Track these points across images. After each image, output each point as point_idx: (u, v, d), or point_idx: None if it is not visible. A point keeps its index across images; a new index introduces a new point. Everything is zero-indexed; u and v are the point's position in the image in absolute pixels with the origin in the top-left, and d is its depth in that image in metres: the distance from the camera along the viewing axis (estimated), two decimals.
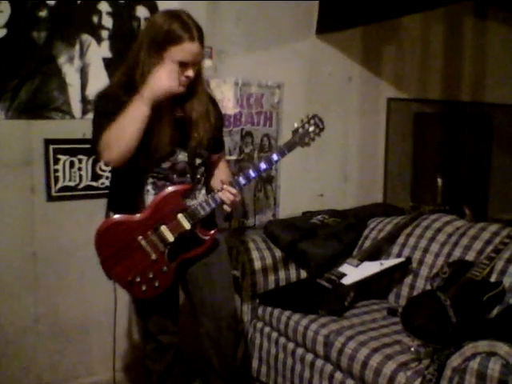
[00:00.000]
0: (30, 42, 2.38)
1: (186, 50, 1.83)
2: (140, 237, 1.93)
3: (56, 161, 2.49)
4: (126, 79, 1.92)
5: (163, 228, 1.93)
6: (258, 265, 2.68)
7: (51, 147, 2.47)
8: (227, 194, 1.95)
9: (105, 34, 2.55)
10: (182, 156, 1.99)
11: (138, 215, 1.92)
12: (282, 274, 2.74)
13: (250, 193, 3.03)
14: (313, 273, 2.72)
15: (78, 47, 2.49)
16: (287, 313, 2.46)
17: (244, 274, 2.70)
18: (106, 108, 1.87)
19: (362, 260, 2.58)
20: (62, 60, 2.47)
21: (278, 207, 3.15)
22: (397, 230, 2.74)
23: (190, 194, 2.02)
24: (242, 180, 1.98)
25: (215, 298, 2.05)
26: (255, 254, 2.71)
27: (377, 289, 2.65)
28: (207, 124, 2.00)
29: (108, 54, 2.55)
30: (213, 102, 2.11)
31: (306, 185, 3.25)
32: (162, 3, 2.64)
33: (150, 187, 1.97)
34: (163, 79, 1.81)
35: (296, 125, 2.06)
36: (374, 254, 2.66)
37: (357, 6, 2.93)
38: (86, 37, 2.51)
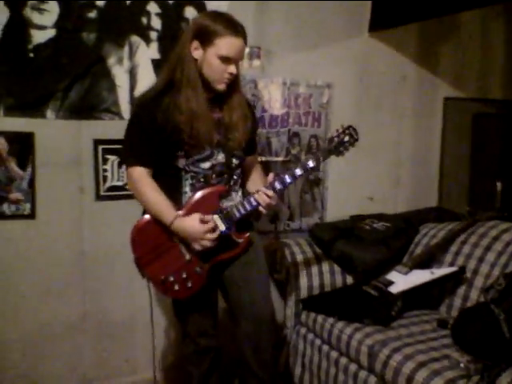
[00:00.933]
0: (79, 42, 2.41)
1: (230, 43, 1.86)
2: (175, 236, 1.93)
3: (105, 161, 2.52)
4: (167, 80, 1.94)
5: None
6: (302, 269, 2.63)
7: (100, 147, 2.50)
8: (263, 197, 1.92)
9: (153, 35, 2.56)
10: (221, 157, 1.99)
11: (179, 212, 1.91)
12: (327, 279, 2.67)
13: (297, 195, 2.97)
14: (359, 279, 2.64)
15: (127, 48, 2.52)
16: (331, 320, 2.39)
17: (288, 278, 2.65)
18: (140, 120, 1.92)
19: (411, 268, 2.48)
20: (111, 61, 2.49)
21: (325, 210, 3.07)
22: (450, 237, 2.61)
23: (226, 195, 2.01)
24: (277, 185, 1.95)
25: (253, 298, 2.02)
26: (300, 258, 2.66)
27: (428, 299, 2.53)
28: (245, 126, 2.01)
29: (156, 55, 2.56)
30: (248, 104, 2.12)
31: (355, 188, 3.15)
32: (210, 3, 2.63)
33: (187, 188, 1.97)
34: (196, 226, 1.86)
35: (331, 134, 2.03)
36: (424, 262, 2.55)
37: (413, 2, 2.81)
38: (135, 38, 2.53)
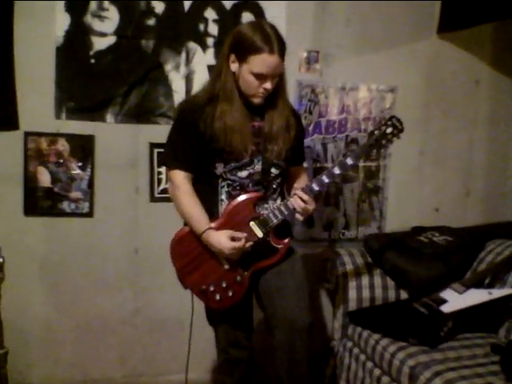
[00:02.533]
0: (138, 49, 2.51)
1: (264, 61, 1.81)
2: None
3: (161, 165, 2.60)
4: (209, 91, 1.94)
5: None
6: (352, 280, 2.54)
7: (155, 151, 2.59)
8: (298, 201, 1.88)
9: (210, 41, 2.60)
10: (260, 166, 1.96)
11: (212, 224, 1.91)
12: (378, 292, 2.55)
13: (353, 203, 2.88)
14: (413, 295, 2.50)
15: (184, 55, 2.58)
16: (376, 336, 2.29)
17: (337, 289, 2.58)
18: (183, 125, 1.94)
19: (468, 286, 2.30)
20: (168, 67, 2.57)
21: (384, 220, 2.95)
22: None
23: (263, 202, 1.98)
24: (315, 186, 1.89)
25: (287, 309, 1.95)
26: (350, 269, 2.57)
27: (486, 321, 2.34)
28: (287, 136, 1.97)
29: (213, 62, 2.58)
30: (294, 114, 2.07)
31: (419, 197, 2.99)
32: (268, 8, 2.63)
33: (224, 196, 1.96)
34: (222, 243, 1.86)
35: (371, 127, 1.92)
36: (484, 281, 2.36)
37: (487, 0, 2.62)
38: (192, 44, 2.58)
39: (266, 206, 1.98)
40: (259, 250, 1.94)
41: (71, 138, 2.50)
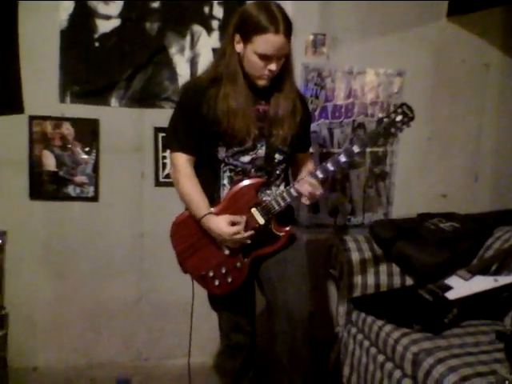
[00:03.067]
0: (142, 32, 2.49)
1: (269, 42, 1.76)
2: None
3: (164, 148, 2.59)
4: (213, 72, 1.91)
5: None
6: (357, 266, 2.53)
7: (160, 135, 2.58)
8: (306, 186, 1.84)
9: (215, 24, 2.57)
10: (263, 151, 1.93)
11: (212, 209, 1.90)
12: (383, 279, 2.54)
13: (359, 189, 2.86)
14: (419, 282, 2.48)
15: (188, 38, 2.55)
16: (380, 322, 2.27)
17: (341, 275, 2.57)
18: (186, 107, 1.91)
19: (474, 273, 2.28)
20: (173, 50, 2.55)
21: (390, 206, 2.92)
22: None
23: (266, 188, 1.95)
24: (319, 174, 1.85)
25: (288, 298, 1.93)
26: (355, 255, 2.55)
27: (492, 308, 2.32)
28: (292, 121, 1.92)
29: (218, 45, 2.55)
30: (301, 98, 2.01)
31: (426, 183, 2.96)
32: None
33: (226, 181, 1.94)
34: (222, 228, 1.84)
35: (381, 115, 1.88)
36: (490, 268, 2.34)
37: None
38: (196, 27, 2.55)
39: (268, 192, 1.95)
40: (260, 237, 1.91)
41: (76, 121, 2.50)
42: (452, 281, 2.30)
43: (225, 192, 1.93)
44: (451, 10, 2.77)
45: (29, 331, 2.61)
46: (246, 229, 1.87)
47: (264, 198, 1.93)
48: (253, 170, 1.93)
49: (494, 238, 2.57)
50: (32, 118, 2.46)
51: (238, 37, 1.82)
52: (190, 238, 1.97)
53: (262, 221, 1.90)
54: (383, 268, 2.56)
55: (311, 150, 2.40)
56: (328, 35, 2.68)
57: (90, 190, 2.56)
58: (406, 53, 2.79)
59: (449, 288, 2.25)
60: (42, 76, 2.44)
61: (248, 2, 2.52)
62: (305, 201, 1.88)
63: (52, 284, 2.62)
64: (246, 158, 1.92)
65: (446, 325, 2.15)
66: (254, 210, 1.90)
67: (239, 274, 1.95)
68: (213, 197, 1.93)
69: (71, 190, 2.54)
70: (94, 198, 2.57)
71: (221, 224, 1.85)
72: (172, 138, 1.97)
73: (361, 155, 2.07)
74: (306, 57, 2.67)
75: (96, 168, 2.55)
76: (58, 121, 2.48)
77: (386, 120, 1.82)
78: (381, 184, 2.89)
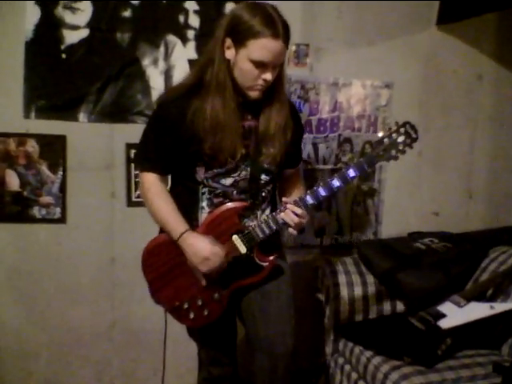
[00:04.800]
0: (113, 43, 2.33)
1: (266, 47, 1.56)
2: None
3: (134, 165, 2.41)
4: (196, 79, 1.70)
5: None
6: (344, 291, 2.36)
7: (132, 152, 2.40)
8: (291, 215, 1.66)
9: (191, 34, 2.42)
10: (247, 172, 1.74)
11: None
12: (372, 304, 2.38)
13: (347, 207, 2.70)
14: (410, 308, 2.32)
15: (162, 49, 2.40)
16: (368, 353, 2.11)
17: (328, 300, 2.40)
18: (161, 123, 1.72)
19: (469, 299, 2.12)
20: (146, 62, 2.39)
21: (379, 225, 2.76)
22: None
23: (250, 213, 1.76)
24: (309, 199, 1.67)
25: (270, 332, 1.76)
26: (342, 279, 2.39)
27: (488, 336, 2.16)
28: (283, 138, 1.73)
29: (194, 55, 2.41)
30: (293, 111, 1.83)
31: (417, 200, 2.81)
32: None
33: (205, 203, 1.75)
34: (205, 245, 1.67)
35: (381, 134, 1.69)
36: (486, 293, 2.17)
37: None
38: (171, 37, 2.40)
39: (252, 217, 1.77)
40: (241, 267, 1.73)
41: (41, 138, 2.33)
42: (445, 307, 2.13)
43: (203, 216, 1.75)
44: (441, 18, 2.64)
45: None
46: (225, 257, 1.70)
47: (247, 224, 1.75)
48: (235, 192, 1.74)
49: (489, 259, 2.41)
50: None
51: (229, 41, 1.61)
52: (163, 266, 1.79)
53: (243, 249, 1.71)
54: (372, 292, 2.40)
55: None
56: (311, 45, 2.54)
57: (57, 212, 2.38)
58: (393, 63, 2.65)
59: (442, 316, 2.08)
60: (5, 90, 2.28)
61: (231, 4, 2.40)
62: (291, 231, 1.70)
63: (18, 311, 2.43)
64: (228, 181, 1.73)
65: (439, 357, 1.98)
66: (235, 237, 1.71)
67: (217, 306, 1.77)
68: (190, 220, 1.74)
69: (36, 211, 2.36)
70: (61, 220, 2.39)
71: (201, 241, 1.67)
72: (142, 156, 1.80)
73: (355, 179, 1.90)
74: (289, 68, 2.50)
75: (63, 188, 2.37)
76: (23, 137, 2.31)
77: (386, 141, 1.64)
78: (369, 201, 2.73)
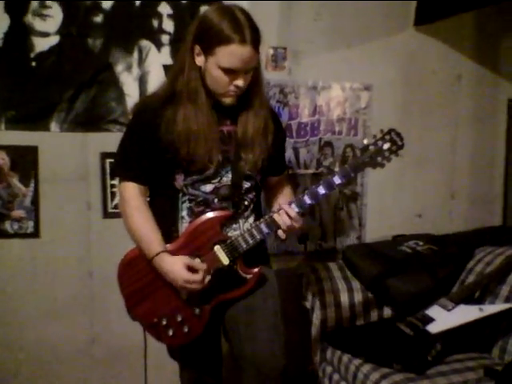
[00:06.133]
0: (84, 49, 2.26)
1: (234, 53, 1.50)
2: None
3: (113, 175, 2.33)
4: (169, 89, 1.65)
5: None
6: (330, 297, 2.31)
7: (108, 161, 2.33)
8: (284, 217, 1.59)
9: (165, 38, 2.35)
10: (228, 178, 1.68)
11: (168, 245, 1.64)
12: (359, 310, 2.33)
13: (329, 211, 2.65)
14: (398, 313, 2.27)
15: (136, 54, 2.33)
16: (357, 361, 2.05)
17: (313, 307, 2.34)
18: (138, 130, 1.67)
19: (457, 302, 2.08)
20: (119, 68, 2.32)
21: (363, 229, 2.72)
22: (508, 265, 2.18)
23: (232, 222, 1.69)
24: (294, 207, 1.61)
25: (257, 351, 1.67)
26: (328, 285, 2.34)
27: (477, 339, 2.12)
28: (263, 143, 1.67)
29: (169, 61, 2.35)
30: (273, 115, 1.77)
31: (400, 203, 2.77)
32: (229, 3, 2.39)
33: (185, 213, 1.68)
34: (176, 272, 1.60)
35: (366, 141, 1.65)
36: (474, 295, 2.14)
37: None
38: (145, 43, 2.33)
39: (235, 226, 1.70)
40: (224, 280, 1.66)
41: (12, 150, 2.23)
42: (433, 311, 2.09)
43: (184, 226, 1.68)
44: (418, 19, 2.62)
45: None
46: (206, 271, 1.62)
47: (230, 234, 1.67)
48: (216, 200, 1.67)
49: (475, 260, 2.38)
50: None
51: (197, 48, 1.57)
52: (139, 280, 1.71)
53: (226, 261, 1.64)
54: (358, 298, 2.35)
55: None
56: (289, 48, 2.49)
57: (30, 225, 2.28)
58: (372, 65, 2.63)
59: (430, 320, 2.04)
60: None
61: (205, 8, 2.33)
62: (281, 234, 1.63)
63: None
64: (208, 188, 1.67)
65: (430, 362, 1.94)
66: (217, 247, 1.64)
67: (198, 322, 1.69)
68: (170, 231, 1.68)
69: (8, 226, 2.26)
70: (35, 234, 2.29)
71: (176, 266, 1.59)
72: (121, 164, 1.73)
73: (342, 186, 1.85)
74: (267, 72, 2.46)
75: (36, 200, 2.28)
76: None
77: (371, 148, 1.60)
78: (352, 205, 2.69)
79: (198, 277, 1.59)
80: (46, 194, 2.30)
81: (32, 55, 2.21)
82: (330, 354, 2.25)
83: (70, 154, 2.31)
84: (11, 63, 2.20)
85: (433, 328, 2.00)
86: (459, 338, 2.04)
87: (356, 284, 2.37)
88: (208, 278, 1.63)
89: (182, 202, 1.68)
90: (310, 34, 2.52)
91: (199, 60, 1.58)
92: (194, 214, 1.67)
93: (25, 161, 2.25)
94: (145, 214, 1.67)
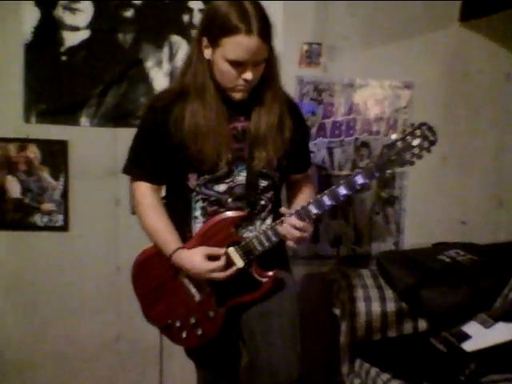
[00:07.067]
0: (115, 44, 2.24)
1: (240, 44, 1.43)
2: (182, 273, 1.62)
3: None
4: (180, 84, 1.60)
5: None
6: (361, 306, 2.20)
7: None
8: (289, 229, 1.52)
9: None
10: (243, 177, 1.61)
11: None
12: (392, 321, 2.20)
13: (365, 215, 2.52)
14: (432, 327, 2.14)
15: (166, 49, 2.29)
16: (385, 376, 1.92)
17: (343, 315, 2.23)
18: (149, 127, 1.63)
19: (496, 319, 1.92)
20: (149, 64, 2.29)
21: (401, 234, 2.57)
22: None
23: (248, 223, 1.62)
24: (312, 209, 1.53)
25: (272, 359, 1.59)
26: (359, 293, 2.22)
27: None
28: (279, 140, 1.59)
29: None
30: (293, 110, 1.68)
31: (443, 209, 2.61)
32: None
33: (198, 213, 1.63)
34: (197, 264, 1.55)
35: (394, 136, 1.53)
36: None
37: None
38: (175, 38, 2.29)
39: (251, 227, 1.63)
40: (238, 282, 1.59)
41: (42, 143, 2.25)
42: (470, 328, 1.94)
43: (197, 226, 1.63)
44: (464, 14, 2.45)
45: None
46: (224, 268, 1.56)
47: (245, 236, 1.61)
48: (230, 200, 1.61)
49: None
50: None
51: (205, 40, 1.51)
52: (154, 280, 1.68)
53: (240, 263, 1.58)
54: (391, 308, 2.22)
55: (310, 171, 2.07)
56: (324, 44, 2.38)
57: (59, 219, 2.30)
58: (414, 63, 2.47)
59: (466, 337, 1.90)
60: (5, 94, 2.21)
61: None
62: (290, 244, 1.56)
63: (20, 322, 2.36)
64: (222, 187, 1.60)
65: (462, 382, 1.79)
66: (231, 249, 1.58)
67: (212, 325, 1.64)
68: (183, 231, 1.63)
69: (38, 218, 2.28)
70: (64, 228, 2.30)
71: (195, 258, 1.54)
72: (133, 163, 1.69)
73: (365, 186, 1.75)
74: (300, 69, 2.38)
75: (65, 194, 2.29)
76: (23, 143, 2.23)
77: (399, 144, 1.49)
78: (389, 210, 2.55)
79: (220, 263, 1.54)
80: (76, 189, 2.30)
81: (62, 49, 2.21)
82: (358, 366, 2.13)
83: (99, 149, 2.31)
84: (42, 57, 2.21)
85: (468, 346, 1.85)
86: (496, 357, 1.88)
87: (389, 293, 2.24)
88: (231, 270, 1.57)
89: (196, 202, 1.63)
90: (347, 29, 2.40)
91: (207, 53, 1.52)
92: (207, 214, 1.62)
93: (55, 155, 2.27)
94: (159, 212, 1.64)
